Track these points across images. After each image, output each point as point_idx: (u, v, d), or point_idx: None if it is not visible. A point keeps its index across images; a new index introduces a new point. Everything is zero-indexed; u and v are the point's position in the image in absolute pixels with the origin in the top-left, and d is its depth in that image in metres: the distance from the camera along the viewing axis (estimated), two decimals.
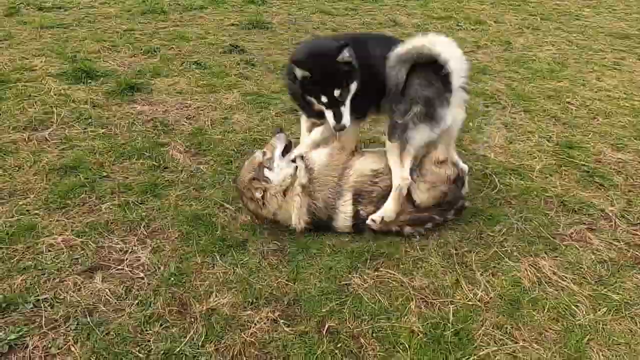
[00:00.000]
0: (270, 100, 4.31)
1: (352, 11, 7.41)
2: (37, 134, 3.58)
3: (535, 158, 3.60)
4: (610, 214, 3.00)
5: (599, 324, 2.25)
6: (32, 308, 2.19)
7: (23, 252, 2.49)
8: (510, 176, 3.37)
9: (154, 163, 3.31)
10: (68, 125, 3.71)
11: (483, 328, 2.21)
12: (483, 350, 2.11)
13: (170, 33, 5.90)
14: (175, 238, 2.65)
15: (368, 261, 2.56)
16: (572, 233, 2.83)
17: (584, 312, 2.30)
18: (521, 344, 2.14)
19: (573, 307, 2.33)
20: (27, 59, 4.85)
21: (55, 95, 4.12)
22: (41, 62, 4.74)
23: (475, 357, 2.08)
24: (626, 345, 2.16)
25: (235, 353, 2.05)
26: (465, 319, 2.25)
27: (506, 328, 2.22)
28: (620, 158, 3.65)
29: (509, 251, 2.66)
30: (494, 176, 3.34)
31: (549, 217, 2.95)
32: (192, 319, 2.19)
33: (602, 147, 3.78)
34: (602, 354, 2.11)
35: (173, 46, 5.46)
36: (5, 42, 5.29)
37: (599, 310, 2.32)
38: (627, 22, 7.47)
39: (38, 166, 3.18)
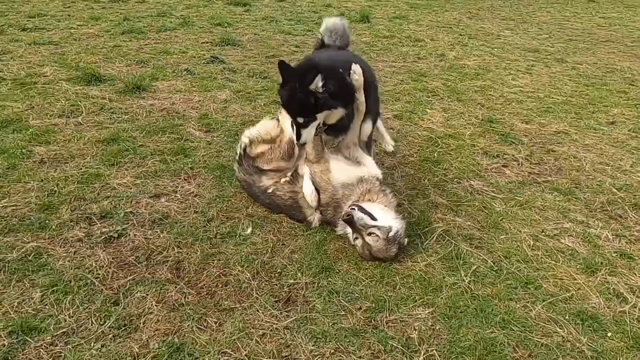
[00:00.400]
0: (256, 96, 5.51)
1: (309, 32, 8.83)
2: (72, 119, 4.55)
3: (466, 128, 5.04)
4: (519, 158, 4.44)
5: (509, 212, 3.61)
6: (124, 216, 3.22)
7: (100, 188, 3.51)
8: (449, 139, 4.77)
9: (177, 136, 4.40)
10: (96, 114, 4.71)
11: (436, 215, 3.48)
12: (437, 228, 3.36)
13: (154, 48, 6.99)
14: (211, 178, 3.75)
15: None
16: (492, 168, 4.23)
17: (500, 205, 3.67)
18: (459, 221, 3.42)
19: (493, 203, 3.69)
20: (34, 68, 5.78)
21: (74, 93, 5.10)
22: (49, 70, 5.69)
23: (431, 230, 3.31)
24: (525, 220, 3.52)
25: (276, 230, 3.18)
26: (425, 213, 3.51)
27: (450, 216, 3.50)
28: (527, 127, 5.17)
29: (451, 177, 4.02)
30: (437, 139, 4.72)
31: (476, 160, 4.35)
32: (238, 219, 3.28)
33: (514, 121, 5.29)
34: (512, 225, 3.45)
35: (160, 58, 6.57)
36: (6, 56, 6.17)
37: (509, 204, 3.68)
38: (538, 40, 9.44)
39: (84, 139, 4.17)
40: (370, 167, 3.36)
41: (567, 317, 2.69)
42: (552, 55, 8.25)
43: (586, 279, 3.00)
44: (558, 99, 6.08)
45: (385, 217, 3.06)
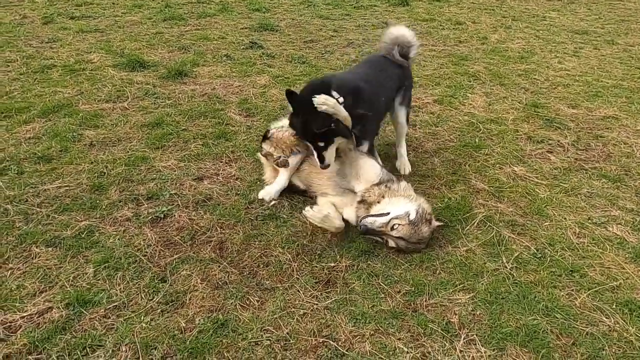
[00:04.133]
0: (295, 80, 5.53)
1: (347, 16, 8.76)
2: (118, 104, 4.71)
3: (509, 113, 4.91)
4: (564, 144, 4.30)
5: (554, 199, 3.51)
6: (169, 197, 3.33)
7: (147, 170, 3.64)
8: (491, 124, 4.66)
9: (218, 121, 4.48)
10: (140, 98, 4.85)
11: (478, 201, 3.42)
12: (477, 214, 3.31)
13: (194, 35, 7.11)
14: (252, 162, 3.81)
15: None
16: (536, 154, 4.11)
17: (545, 192, 3.57)
18: (501, 207, 3.36)
19: (537, 189, 3.59)
20: (82, 55, 5.99)
21: (120, 79, 5.26)
22: (96, 57, 5.89)
23: (472, 215, 3.28)
24: (570, 207, 3.41)
25: None
26: (466, 199, 3.46)
27: (492, 202, 3.44)
28: (574, 112, 4.99)
29: (493, 163, 3.94)
30: (479, 124, 4.63)
31: (519, 146, 4.23)
32: (279, 202, 3.35)
33: (561, 106, 5.11)
34: (556, 212, 3.35)
35: (201, 44, 6.68)
36: (56, 43, 6.42)
37: (554, 191, 3.58)
38: (587, 22, 9.03)
39: (130, 124, 4.32)
40: (362, 180, 3.25)
41: (614, 307, 2.62)
42: (602, 36, 7.89)
43: (635, 268, 2.90)
44: (607, 83, 5.82)
45: (396, 206, 3.00)
